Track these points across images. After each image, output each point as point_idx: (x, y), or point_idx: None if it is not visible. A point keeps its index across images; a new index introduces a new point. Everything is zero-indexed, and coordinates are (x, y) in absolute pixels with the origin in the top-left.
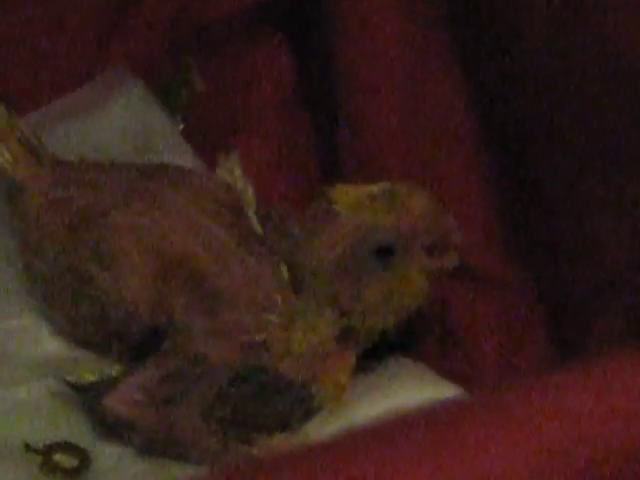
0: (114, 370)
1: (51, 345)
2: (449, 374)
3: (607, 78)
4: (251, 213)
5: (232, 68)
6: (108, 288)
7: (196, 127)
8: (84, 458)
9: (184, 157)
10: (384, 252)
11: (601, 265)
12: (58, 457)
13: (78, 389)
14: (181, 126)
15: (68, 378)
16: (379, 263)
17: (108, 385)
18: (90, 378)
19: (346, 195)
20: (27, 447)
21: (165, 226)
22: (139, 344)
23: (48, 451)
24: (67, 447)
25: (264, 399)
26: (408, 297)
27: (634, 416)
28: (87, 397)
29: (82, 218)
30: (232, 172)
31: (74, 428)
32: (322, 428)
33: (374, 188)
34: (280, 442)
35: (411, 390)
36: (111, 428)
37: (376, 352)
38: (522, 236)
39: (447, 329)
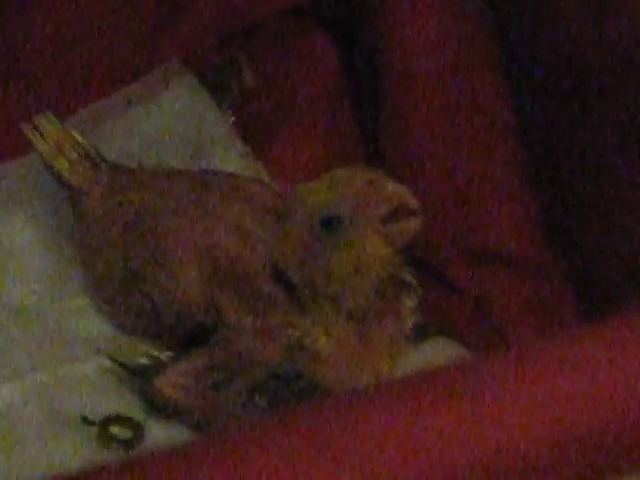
0: (164, 356)
1: (106, 326)
2: (484, 353)
3: None
4: None
5: (280, 63)
6: (162, 287)
7: (246, 120)
8: (138, 430)
9: (235, 149)
10: (334, 227)
11: (630, 249)
12: (113, 429)
13: (130, 370)
14: (232, 119)
15: (121, 359)
16: (332, 236)
17: (158, 369)
18: (141, 361)
19: (302, 190)
20: (84, 419)
21: (217, 232)
22: (188, 336)
23: (104, 423)
24: (122, 420)
25: (299, 394)
26: (376, 263)
27: None
28: (138, 378)
29: (139, 221)
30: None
31: (128, 403)
32: None
33: (321, 179)
34: None
35: None
36: (161, 407)
37: (416, 334)
38: (554, 222)
39: (483, 311)
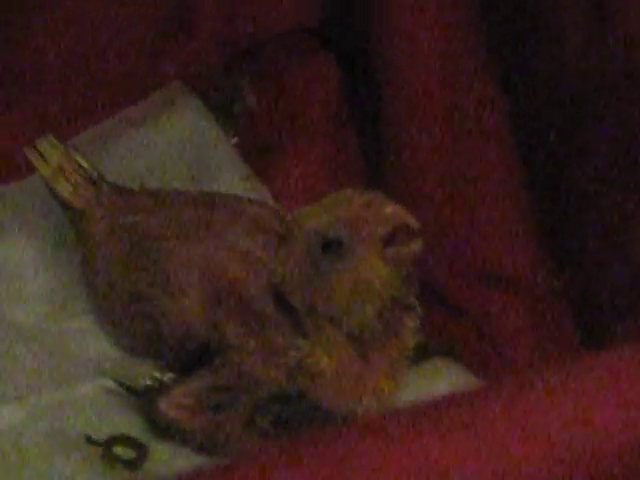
0: (166, 377)
1: (109, 347)
2: (485, 374)
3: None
4: None
5: (283, 84)
6: (165, 309)
7: (249, 142)
8: (141, 450)
9: (237, 171)
10: (335, 249)
11: (626, 270)
12: (117, 449)
13: (133, 392)
14: (234, 140)
15: (124, 381)
16: (333, 258)
17: (161, 390)
18: (144, 382)
19: (299, 215)
20: (88, 439)
21: (219, 255)
22: (191, 357)
23: (108, 443)
24: (125, 440)
25: (301, 415)
26: (377, 285)
27: None
28: (141, 399)
29: (142, 243)
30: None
31: (131, 424)
32: None
33: (320, 202)
34: None
35: (448, 388)
36: (164, 428)
37: (417, 354)
38: (551, 243)
39: (482, 331)
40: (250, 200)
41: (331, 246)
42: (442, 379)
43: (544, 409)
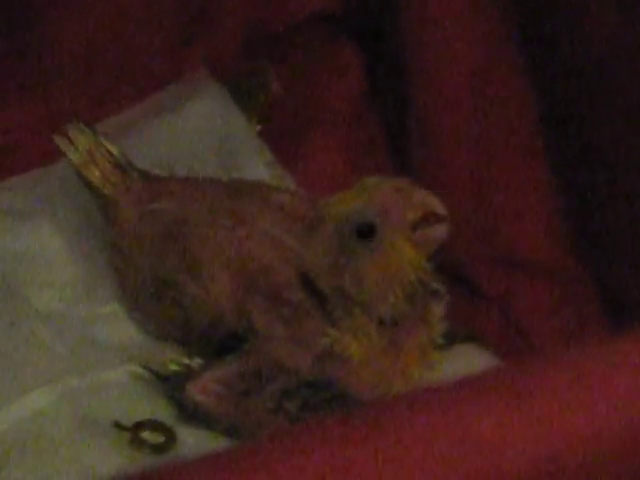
0: (195, 363)
1: (137, 333)
2: (510, 358)
3: None
4: None
5: (306, 71)
6: (194, 295)
7: (272, 128)
8: (170, 435)
9: (261, 157)
10: (368, 234)
11: None
12: (145, 434)
13: (161, 377)
14: (258, 127)
15: (152, 367)
16: (365, 243)
17: (189, 376)
18: (172, 368)
19: (329, 202)
20: (117, 425)
21: (248, 242)
22: (219, 344)
23: (136, 428)
24: (154, 425)
25: (329, 401)
26: (407, 269)
27: None
28: (169, 385)
29: (172, 230)
30: None
31: (159, 409)
32: None
33: (349, 189)
34: None
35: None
36: (192, 413)
37: (444, 340)
38: (580, 228)
39: (509, 316)
40: (277, 187)
41: (363, 231)
42: (468, 364)
43: (576, 389)
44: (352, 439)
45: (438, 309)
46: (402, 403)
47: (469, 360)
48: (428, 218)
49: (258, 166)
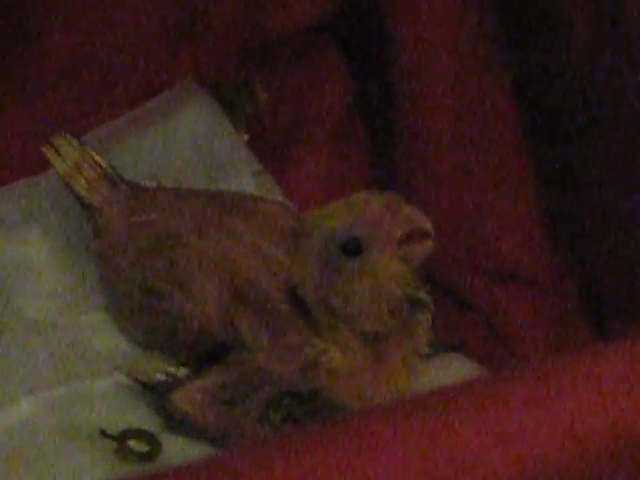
0: (181, 372)
1: (124, 341)
2: (496, 369)
3: None
4: None
5: (294, 82)
6: (181, 306)
7: (260, 138)
8: (155, 444)
9: (248, 167)
10: (355, 250)
11: (637, 270)
12: (131, 442)
13: (147, 386)
14: (246, 137)
15: (138, 376)
16: (352, 260)
17: (174, 385)
18: (158, 377)
19: (316, 215)
20: (103, 433)
21: (235, 253)
22: (205, 354)
23: (122, 437)
24: (139, 434)
25: (314, 412)
26: (393, 284)
27: None
28: (155, 394)
29: (160, 241)
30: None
31: (145, 418)
32: None
33: (337, 203)
34: None
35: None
36: (177, 423)
37: (429, 350)
38: (563, 239)
39: (495, 327)
40: (264, 198)
41: (351, 245)
42: (454, 375)
43: (561, 397)
44: (317, 449)
45: (424, 320)
46: (375, 414)
47: (454, 370)
48: (414, 234)
49: (245, 176)
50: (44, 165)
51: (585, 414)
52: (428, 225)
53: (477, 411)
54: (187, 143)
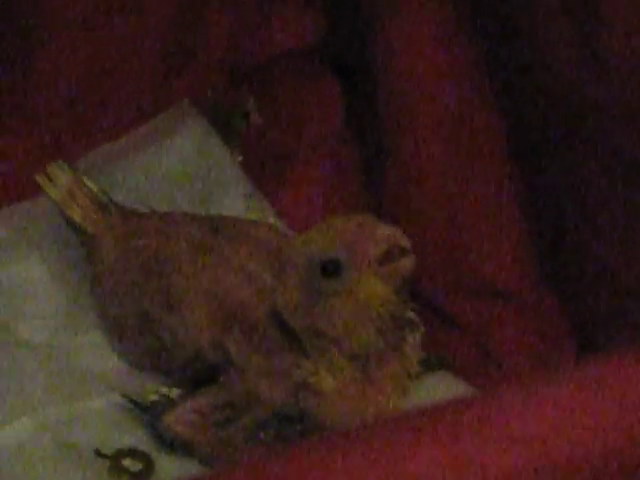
0: (173, 393)
1: (118, 362)
2: (485, 387)
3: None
4: None
5: (286, 104)
6: (173, 329)
7: (253, 159)
8: (148, 463)
9: (242, 189)
10: (334, 271)
11: (623, 285)
12: (125, 462)
13: (140, 407)
14: (239, 158)
15: (131, 396)
16: (332, 281)
17: (167, 406)
18: (152, 398)
19: (297, 240)
20: (97, 453)
21: (225, 278)
22: (197, 375)
23: (116, 456)
24: (133, 453)
25: (302, 433)
26: (376, 304)
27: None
28: (148, 414)
29: (152, 266)
30: None
31: (138, 438)
32: None
33: (315, 227)
34: None
35: None
36: (170, 442)
37: (418, 369)
38: (549, 258)
39: (482, 345)
40: (255, 222)
41: (330, 268)
42: (442, 393)
43: (528, 417)
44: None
45: (413, 339)
46: (340, 437)
47: (443, 388)
48: (393, 252)
49: (237, 197)
50: (40, 188)
51: (568, 428)
52: (405, 242)
53: (429, 440)
54: (181, 165)
